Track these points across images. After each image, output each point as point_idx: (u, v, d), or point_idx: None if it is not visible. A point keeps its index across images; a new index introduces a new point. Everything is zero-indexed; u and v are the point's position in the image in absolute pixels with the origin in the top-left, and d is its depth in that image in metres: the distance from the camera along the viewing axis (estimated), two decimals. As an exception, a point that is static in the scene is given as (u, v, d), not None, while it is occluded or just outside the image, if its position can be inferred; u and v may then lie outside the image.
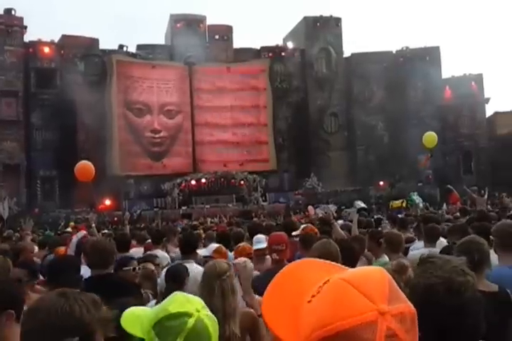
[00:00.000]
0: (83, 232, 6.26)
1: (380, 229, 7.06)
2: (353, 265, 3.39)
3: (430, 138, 15.00)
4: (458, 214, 10.22)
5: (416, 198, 18.88)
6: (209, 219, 20.34)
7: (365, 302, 0.71)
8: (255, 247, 4.58)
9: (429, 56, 36.18)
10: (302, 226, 6.06)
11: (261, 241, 4.59)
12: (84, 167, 11.10)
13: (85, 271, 3.62)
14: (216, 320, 1.36)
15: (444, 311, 1.35)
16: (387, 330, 0.69)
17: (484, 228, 4.17)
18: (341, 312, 0.71)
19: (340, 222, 8.28)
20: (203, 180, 30.92)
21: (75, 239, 5.80)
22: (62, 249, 6.07)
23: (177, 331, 1.27)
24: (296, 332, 0.75)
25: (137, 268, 3.88)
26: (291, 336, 0.76)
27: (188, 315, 1.29)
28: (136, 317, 1.33)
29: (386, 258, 4.59)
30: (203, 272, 2.88)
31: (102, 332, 1.35)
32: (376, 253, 4.82)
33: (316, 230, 5.67)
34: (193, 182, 30.84)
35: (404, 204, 24.85)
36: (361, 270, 0.82)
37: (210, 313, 1.35)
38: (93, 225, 7.33)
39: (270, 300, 0.82)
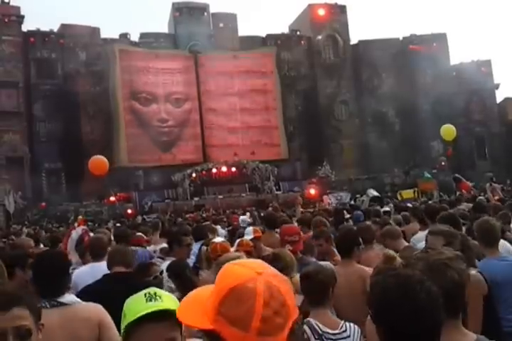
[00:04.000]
0: (82, 227, 5.99)
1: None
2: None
3: (448, 131, 14.65)
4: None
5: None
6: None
7: (247, 270, 0.97)
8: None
9: (436, 43, 35.83)
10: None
11: (248, 232, 4.85)
12: (98, 161, 11.88)
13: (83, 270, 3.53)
14: None
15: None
16: (265, 282, 0.95)
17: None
18: (229, 279, 0.96)
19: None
20: (214, 170, 29.89)
21: (74, 234, 5.37)
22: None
23: None
24: (203, 316, 0.97)
25: (158, 274, 3.59)
26: (199, 320, 0.97)
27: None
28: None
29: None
30: None
31: None
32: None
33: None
34: (204, 172, 29.81)
35: (416, 195, 24.29)
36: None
37: None
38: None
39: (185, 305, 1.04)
